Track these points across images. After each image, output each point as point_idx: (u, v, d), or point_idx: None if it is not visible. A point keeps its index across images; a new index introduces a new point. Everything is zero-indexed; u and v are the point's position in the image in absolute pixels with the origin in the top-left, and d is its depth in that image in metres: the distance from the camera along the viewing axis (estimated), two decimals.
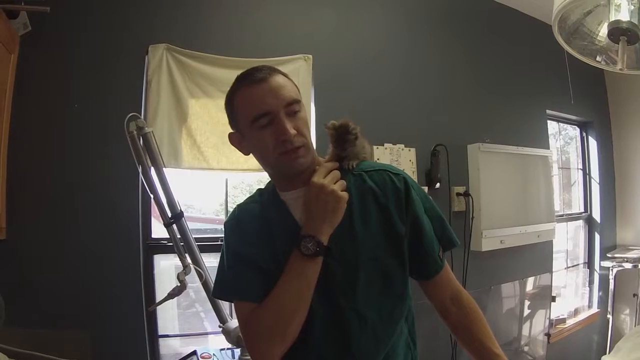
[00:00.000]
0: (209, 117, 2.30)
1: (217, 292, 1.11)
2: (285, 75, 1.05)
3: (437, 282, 1.13)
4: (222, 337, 1.91)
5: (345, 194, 1.02)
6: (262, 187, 1.19)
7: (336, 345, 1.03)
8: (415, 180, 2.26)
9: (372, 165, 1.13)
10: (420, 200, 1.10)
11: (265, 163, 1.08)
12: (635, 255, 3.86)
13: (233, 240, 1.09)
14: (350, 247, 1.03)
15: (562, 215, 4.10)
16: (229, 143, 1.11)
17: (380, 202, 1.06)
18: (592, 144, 4.36)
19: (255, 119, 0.99)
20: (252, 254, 1.04)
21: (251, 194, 1.19)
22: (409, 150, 2.87)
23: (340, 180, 1.04)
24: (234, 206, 1.18)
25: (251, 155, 1.09)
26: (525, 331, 3.52)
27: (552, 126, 4.09)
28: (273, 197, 1.11)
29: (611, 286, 3.93)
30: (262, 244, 1.05)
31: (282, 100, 0.99)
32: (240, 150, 1.10)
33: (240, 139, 1.08)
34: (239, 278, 1.04)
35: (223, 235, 1.13)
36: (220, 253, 1.12)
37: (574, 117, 4.19)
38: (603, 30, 1.36)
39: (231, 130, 1.11)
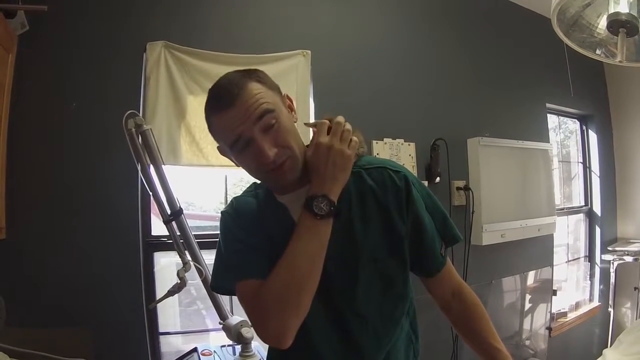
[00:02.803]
0: None
1: (217, 280, 1.06)
2: (258, 79, 0.97)
3: (439, 278, 1.12)
4: (223, 334, 1.92)
5: (351, 153, 0.98)
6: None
7: (337, 346, 1.02)
8: (416, 174, 2.25)
9: (371, 161, 1.09)
10: (421, 197, 1.07)
11: (255, 177, 1.03)
12: (636, 249, 3.87)
13: (233, 227, 1.04)
14: (349, 249, 1.01)
15: (562, 209, 4.10)
16: None
17: (380, 202, 1.03)
18: (592, 137, 4.35)
19: (232, 146, 0.93)
20: (253, 241, 1.00)
21: (247, 188, 1.15)
22: (409, 144, 2.87)
23: (346, 130, 0.99)
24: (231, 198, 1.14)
25: None
26: (526, 325, 3.52)
27: (552, 120, 4.08)
28: (269, 197, 1.07)
29: (612, 279, 3.94)
30: (262, 236, 1.01)
31: (252, 119, 0.91)
32: (231, 160, 1.03)
33: (227, 153, 1.01)
34: (243, 258, 0.99)
35: (220, 224, 1.08)
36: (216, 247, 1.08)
37: (574, 111, 4.18)
38: (602, 23, 1.35)
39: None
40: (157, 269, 2.31)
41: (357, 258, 1.00)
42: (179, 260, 1.82)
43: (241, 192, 1.16)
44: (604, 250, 4.14)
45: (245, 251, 0.99)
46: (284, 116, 0.97)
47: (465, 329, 1.13)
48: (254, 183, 1.14)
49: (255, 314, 0.95)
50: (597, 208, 4.30)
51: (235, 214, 1.06)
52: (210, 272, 1.11)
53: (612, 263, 3.90)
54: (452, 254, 2.76)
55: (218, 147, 1.04)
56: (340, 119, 1.01)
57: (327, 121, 1.01)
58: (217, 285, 1.08)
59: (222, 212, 1.09)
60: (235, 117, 0.91)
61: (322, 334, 1.01)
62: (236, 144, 0.93)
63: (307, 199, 0.95)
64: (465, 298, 1.13)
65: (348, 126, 1.00)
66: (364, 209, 1.02)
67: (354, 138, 1.00)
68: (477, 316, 1.11)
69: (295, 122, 1.02)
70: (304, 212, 0.95)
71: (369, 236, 1.01)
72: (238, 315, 1.89)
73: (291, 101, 1.04)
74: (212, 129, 0.98)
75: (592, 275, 4.27)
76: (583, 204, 4.37)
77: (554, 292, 3.66)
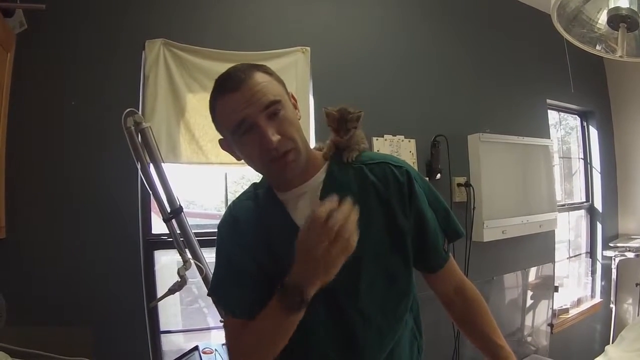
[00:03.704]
0: (207, 112, 2.27)
1: (212, 296, 1.10)
2: (265, 71, 0.98)
3: (442, 274, 1.12)
4: (224, 332, 1.91)
5: (352, 243, 0.85)
6: (257, 181, 1.15)
7: (340, 344, 1.01)
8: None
9: (373, 157, 1.08)
10: (423, 192, 1.07)
11: (257, 169, 1.02)
12: (637, 245, 3.86)
13: (227, 243, 1.05)
14: None
15: (563, 205, 4.10)
16: None
17: (383, 197, 1.02)
18: (593, 133, 4.34)
19: (235, 130, 0.94)
20: (246, 260, 1.00)
21: (246, 189, 1.14)
22: (409, 141, 2.86)
23: (351, 220, 0.84)
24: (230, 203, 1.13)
25: None
26: (528, 322, 3.52)
27: (552, 116, 4.07)
28: (270, 196, 1.06)
29: (613, 276, 3.93)
30: (260, 244, 1.01)
31: (258, 105, 0.92)
32: (233, 156, 1.05)
33: (229, 146, 1.03)
34: (230, 291, 1.02)
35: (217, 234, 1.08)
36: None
37: (574, 107, 4.17)
38: (602, 18, 1.35)
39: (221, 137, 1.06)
40: (157, 267, 2.31)
41: (360, 255, 0.97)
42: (180, 258, 1.82)
43: (242, 190, 1.15)
44: (605, 247, 4.13)
45: (235, 277, 1.01)
46: (289, 109, 0.98)
47: (467, 325, 1.13)
48: (254, 183, 1.14)
49: (230, 354, 1.03)
50: (598, 204, 4.29)
51: (233, 224, 1.06)
52: (210, 270, 1.11)
53: (614, 259, 3.89)
54: (453, 250, 2.73)
55: (220, 140, 1.05)
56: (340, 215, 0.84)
57: (334, 199, 0.85)
58: (213, 301, 1.14)
59: (218, 226, 1.09)
60: (240, 101, 0.92)
61: (324, 333, 1.01)
62: (239, 128, 0.93)
63: (285, 285, 0.89)
64: (467, 294, 1.13)
65: (353, 217, 0.85)
66: (366, 205, 1.00)
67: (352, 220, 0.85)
68: (480, 312, 1.11)
69: (299, 119, 1.02)
70: (276, 296, 0.90)
71: (371, 232, 1.00)
72: None
73: (295, 100, 1.05)
74: (215, 115, 1.00)
75: (593, 272, 4.27)
76: (584, 200, 4.36)
77: (556, 289, 3.66)
